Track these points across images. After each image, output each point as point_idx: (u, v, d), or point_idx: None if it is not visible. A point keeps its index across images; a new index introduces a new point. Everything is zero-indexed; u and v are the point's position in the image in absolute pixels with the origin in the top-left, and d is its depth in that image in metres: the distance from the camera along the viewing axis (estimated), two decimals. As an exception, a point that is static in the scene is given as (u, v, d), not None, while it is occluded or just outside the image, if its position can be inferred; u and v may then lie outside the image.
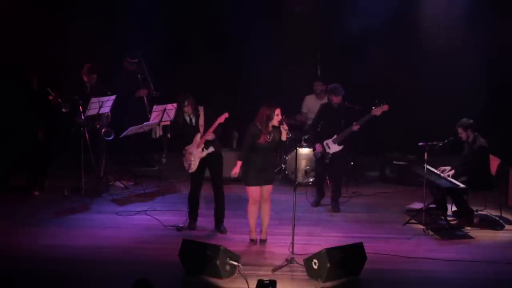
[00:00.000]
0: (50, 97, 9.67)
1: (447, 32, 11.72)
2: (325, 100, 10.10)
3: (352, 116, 9.45)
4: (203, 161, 8.22)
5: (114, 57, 11.09)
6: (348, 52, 11.68)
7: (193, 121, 8.24)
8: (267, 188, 7.90)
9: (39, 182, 9.84)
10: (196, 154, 8.16)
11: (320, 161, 9.50)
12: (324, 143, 9.35)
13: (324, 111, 9.51)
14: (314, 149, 9.49)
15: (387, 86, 11.54)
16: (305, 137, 10.50)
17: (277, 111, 7.62)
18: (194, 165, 8.17)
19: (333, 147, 9.34)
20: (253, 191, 7.87)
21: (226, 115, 7.93)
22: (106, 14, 11.68)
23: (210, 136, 8.09)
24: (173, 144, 11.65)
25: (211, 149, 8.16)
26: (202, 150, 8.15)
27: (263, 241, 8.04)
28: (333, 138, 9.33)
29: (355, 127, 9.20)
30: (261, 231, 8.06)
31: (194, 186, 8.33)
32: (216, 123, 8.00)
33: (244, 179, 7.90)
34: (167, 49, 11.85)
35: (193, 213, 8.43)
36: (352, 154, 10.87)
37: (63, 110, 9.55)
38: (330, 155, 9.36)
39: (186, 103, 8.12)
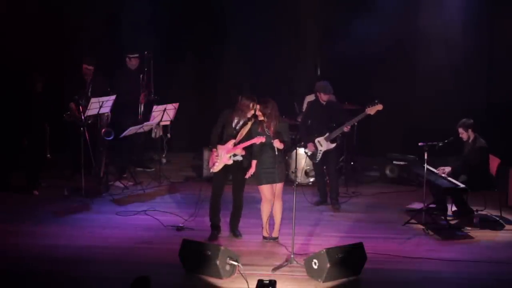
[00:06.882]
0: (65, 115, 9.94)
1: (447, 32, 11.72)
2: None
3: (341, 114, 9.45)
4: (228, 167, 8.05)
5: (116, 56, 11.11)
6: (348, 52, 11.66)
7: (238, 125, 8.01)
8: (278, 186, 7.94)
9: (36, 182, 9.82)
10: (223, 157, 7.97)
11: (312, 160, 9.50)
12: (316, 140, 9.35)
13: (312, 109, 9.49)
14: (305, 147, 9.48)
15: (387, 86, 11.54)
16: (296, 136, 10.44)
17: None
18: (217, 167, 8.01)
19: (325, 145, 9.32)
20: (265, 189, 7.92)
21: (262, 139, 7.76)
22: (108, 13, 11.73)
23: (239, 150, 7.93)
24: (173, 144, 11.76)
25: (238, 158, 8.02)
26: (230, 157, 8.00)
27: (275, 239, 8.06)
28: (325, 136, 9.32)
29: (346, 128, 9.20)
30: (273, 229, 8.09)
31: (215, 189, 8.13)
32: (250, 142, 7.83)
33: (256, 179, 7.95)
34: (166, 48, 11.85)
35: (214, 219, 8.17)
36: (352, 154, 10.89)
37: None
38: (320, 153, 9.35)
39: (252, 105, 7.86)
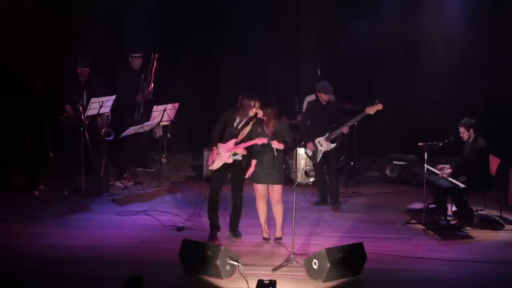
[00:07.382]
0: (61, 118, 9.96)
1: (447, 32, 11.72)
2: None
3: (342, 113, 9.45)
4: (227, 166, 8.05)
5: (118, 55, 11.10)
6: (348, 52, 11.66)
7: (240, 125, 8.01)
8: (275, 188, 7.92)
9: (36, 182, 9.81)
10: (223, 156, 7.96)
11: (312, 160, 9.50)
12: (316, 141, 9.34)
13: (312, 109, 9.48)
14: (305, 147, 9.48)
15: (387, 86, 11.55)
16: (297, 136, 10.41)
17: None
18: (216, 165, 8.01)
19: (325, 145, 9.32)
20: (260, 188, 7.95)
21: (265, 140, 7.76)
22: (110, 12, 11.74)
23: (240, 150, 7.93)
24: (173, 144, 11.75)
25: (238, 157, 8.02)
26: (230, 156, 7.98)
27: (278, 239, 8.07)
28: (325, 136, 9.31)
29: (345, 129, 9.21)
30: (275, 229, 8.10)
31: (213, 188, 8.11)
32: (252, 142, 7.84)
33: (252, 177, 7.96)
34: (166, 48, 11.83)
35: (212, 218, 8.14)
36: (352, 154, 10.89)
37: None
38: (320, 153, 9.35)
39: (253, 104, 7.85)
